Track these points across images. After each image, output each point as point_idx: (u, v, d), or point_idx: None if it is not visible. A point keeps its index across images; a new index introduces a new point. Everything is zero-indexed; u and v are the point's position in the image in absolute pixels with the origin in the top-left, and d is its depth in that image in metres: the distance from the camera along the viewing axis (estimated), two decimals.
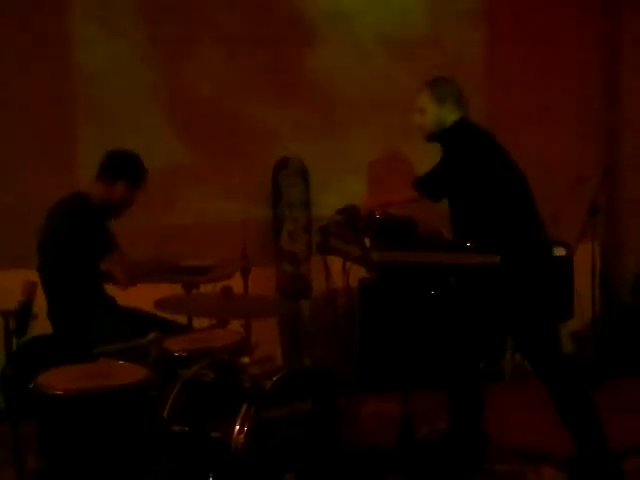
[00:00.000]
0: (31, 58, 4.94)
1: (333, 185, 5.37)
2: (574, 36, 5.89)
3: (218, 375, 3.13)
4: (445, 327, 4.03)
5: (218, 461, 2.98)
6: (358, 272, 3.95)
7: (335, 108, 5.49)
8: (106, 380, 2.95)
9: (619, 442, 3.77)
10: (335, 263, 3.81)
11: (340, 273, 3.79)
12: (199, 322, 3.93)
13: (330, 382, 3.30)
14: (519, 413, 4.67)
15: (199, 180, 5.27)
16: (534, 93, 5.77)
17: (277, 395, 3.08)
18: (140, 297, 3.86)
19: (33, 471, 3.10)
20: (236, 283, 3.80)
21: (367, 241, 3.47)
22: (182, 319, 3.95)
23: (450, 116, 3.83)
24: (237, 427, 2.94)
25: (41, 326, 3.83)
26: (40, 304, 3.92)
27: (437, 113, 3.83)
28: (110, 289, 4.11)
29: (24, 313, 3.30)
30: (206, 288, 4.10)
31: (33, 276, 3.94)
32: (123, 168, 4.07)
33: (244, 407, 2.98)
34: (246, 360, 3.26)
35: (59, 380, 2.94)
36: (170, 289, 3.98)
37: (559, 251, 5.12)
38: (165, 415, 3.03)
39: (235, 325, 3.82)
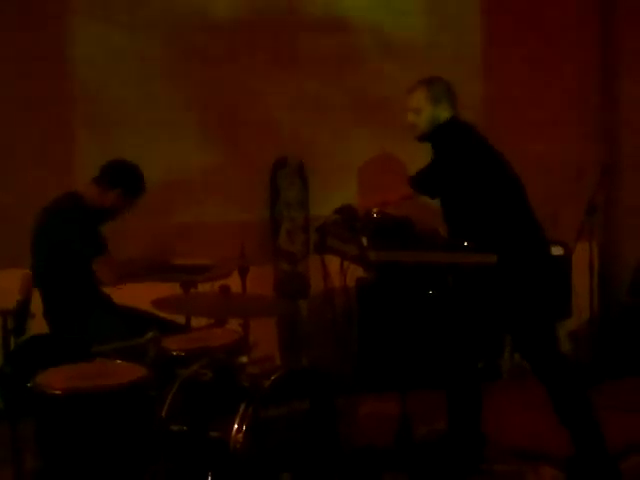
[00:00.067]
0: (30, 58, 4.94)
1: (331, 185, 5.37)
2: (573, 36, 5.89)
3: (216, 374, 3.12)
4: (443, 327, 4.03)
5: (216, 460, 2.98)
6: (356, 272, 3.95)
7: (334, 108, 5.49)
8: (104, 379, 2.94)
9: (617, 441, 3.77)
10: (333, 263, 3.81)
11: (338, 273, 3.78)
12: (197, 321, 3.92)
13: (328, 382, 3.30)
14: (517, 412, 4.67)
15: (197, 180, 5.26)
16: (533, 93, 5.78)
17: (275, 394, 3.08)
18: (138, 296, 3.86)
19: (31, 470, 3.10)
20: (234, 282, 3.80)
21: (364, 240, 3.47)
22: (180, 318, 3.95)
23: (443, 115, 3.83)
24: (235, 426, 2.94)
25: (39, 325, 3.84)
26: (37, 303, 3.94)
27: (432, 113, 3.83)
28: (106, 288, 4.11)
29: (22, 312, 3.30)
30: (204, 287, 4.10)
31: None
32: (120, 178, 4.09)
33: (242, 406, 2.98)
34: (244, 359, 3.26)
35: (57, 379, 2.93)
36: (168, 288, 3.98)
37: (557, 250, 5.13)
38: (163, 414, 3.02)
39: (233, 324, 3.81)
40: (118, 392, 2.90)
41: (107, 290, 4.11)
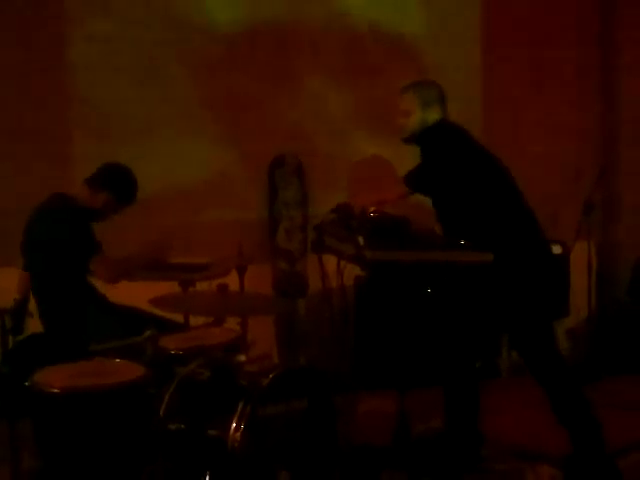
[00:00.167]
0: (29, 59, 4.94)
1: (329, 183, 5.37)
2: (573, 36, 5.89)
3: (214, 373, 3.12)
4: (441, 325, 4.03)
5: (215, 459, 2.98)
6: (354, 270, 3.95)
7: (332, 107, 5.49)
8: (102, 378, 2.94)
9: (615, 440, 3.77)
10: (330, 261, 3.81)
11: (335, 271, 3.79)
12: (195, 320, 3.92)
13: (326, 380, 3.30)
14: (516, 411, 4.68)
15: (196, 178, 5.26)
16: (533, 93, 5.78)
17: (273, 393, 3.08)
18: (136, 295, 3.86)
19: (29, 469, 3.10)
20: (232, 281, 3.80)
21: (361, 239, 3.47)
22: (178, 317, 3.95)
23: (432, 118, 3.84)
24: (233, 425, 2.94)
25: (36, 324, 3.84)
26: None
27: (421, 115, 3.83)
28: (101, 287, 4.11)
29: (20, 311, 3.30)
30: (202, 286, 4.10)
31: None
32: (112, 181, 4.07)
33: (240, 405, 2.98)
34: (242, 358, 3.26)
35: (55, 378, 2.93)
36: (166, 287, 3.98)
37: (556, 249, 5.13)
38: (161, 413, 3.02)
39: (231, 323, 3.82)
40: (116, 391, 2.90)
41: (102, 289, 4.11)
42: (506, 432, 4.26)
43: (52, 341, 3.86)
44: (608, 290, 5.92)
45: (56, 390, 2.86)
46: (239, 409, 2.97)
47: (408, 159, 3.88)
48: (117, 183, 4.08)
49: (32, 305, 3.88)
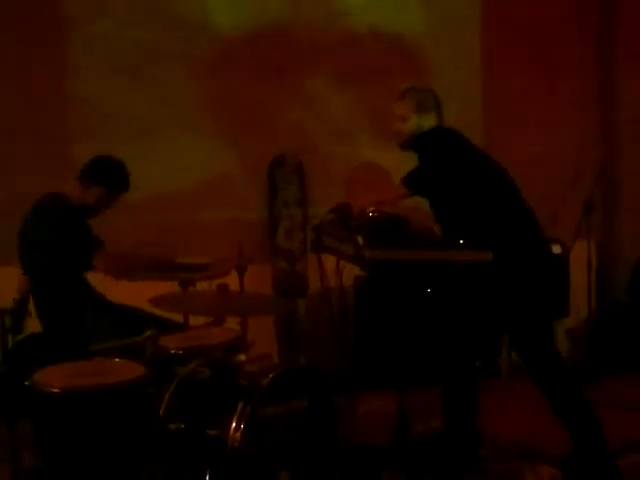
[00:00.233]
0: (29, 59, 4.94)
1: (330, 183, 5.37)
2: (573, 36, 5.89)
3: (214, 373, 3.12)
4: (440, 325, 4.03)
5: (214, 459, 2.98)
6: (353, 270, 3.95)
7: (332, 106, 5.49)
8: (102, 378, 2.94)
9: (615, 440, 3.77)
10: (330, 261, 3.81)
11: (335, 271, 3.79)
12: (195, 320, 3.92)
13: (326, 380, 3.30)
14: (515, 411, 4.68)
15: (196, 178, 5.26)
16: (532, 93, 5.78)
17: (273, 393, 3.08)
18: (136, 295, 3.85)
19: (29, 469, 3.10)
20: (232, 281, 3.79)
21: (360, 239, 3.47)
22: (178, 317, 3.94)
23: (428, 124, 3.85)
24: (233, 425, 2.94)
25: (36, 324, 3.84)
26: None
27: (417, 121, 3.85)
28: (100, 287, 4.11)
29: (20, 311, 3.30)
30: (202, 286, 4.10)
31: None
32: (101, 173, 4.05)
33: (240, 405, 2.98)
34: (242, 358, 3.26)
35: (55, 378, 2.93)
36: (166, 287, 3.98)
37: (555, 249, 5.13)
38: (161, 413, 3.02)
39: (231, 323, 3.82)
40: (116, 390, 2.90)
41: (101, 289, 4.10)
42: (506, 432, 4.26)
43: (52, 340, 3.86)
44: (608, 290, 5.92)
45: (56, 390, 2.86)
46: (239, 409, 2.97)
47: (408, 161, 3.88)
48: (107, 175, 4.05)
49: (32, 305, 3.88)
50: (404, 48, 5.57)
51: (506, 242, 3.64)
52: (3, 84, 4.92)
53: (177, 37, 5.21)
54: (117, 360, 3.14)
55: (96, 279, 4.06)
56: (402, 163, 3.91)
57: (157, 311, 3.56)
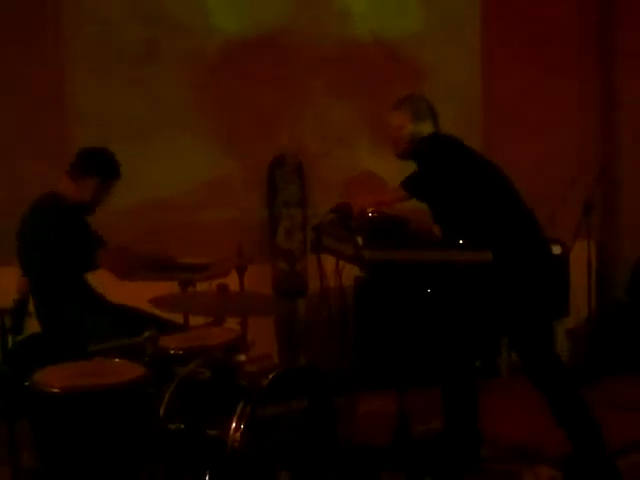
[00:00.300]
0: (29, 59, 4.94)
1: (330, 183, 5.37)
2: (573, 36, 5.89)
3: (214, 373, 3.13)
4: (440, 325, 4.03)
5: (214, 459, 2.98)
6: (353, 270, 3.95)
7: (332, 106, 5.49)
8: (102, 378, 2.94)
9: (615, 440, 3.77)
10: (330, 262, 3.81)
11: (334, 271, 3.79)
12: (195, 320, 3.92)
13: (326, 380, 3.30)
14: (515, 411, 4.68)
15: (196, 178, 5.26)
16: (532, 93, 5.78)
17: (273, 393, 3.08)
18: (136, 295, 3.85)
19: (29, 469, 3.10)
20: (232, 281, 3.80)
21: (359, 239, 3.47)
22: (178, 317, 3.94)
23: (426, 130, 3.85)
24: (233, 425, 2.94)
25: (36, 324, 3.84)
26: None
27: (414, 129, 3.85)
28: (100, 286, 4.10)
29: (20, 311, 3.30)
30: (202, 286, 4.10)
31: None
32: (92, 164, 4.02)
33: (240, 405, 2.98)
34: (242, 358, 3.26)
35: (55, 378, 2.93)
36: (166, 287, 3.98)
37: (555, 249, 5.13)
38: (161, 413, 3.02)
39: (231, 323, 3.81)
40: (116, 391, 2.90)
41: (100, 289, 4.10)
42: (505, 432, 4.26)
43: (52, 341, 3.85)
44: (608, 290, 5.92)
45: (56, 390, 2.86)
46: (239, 409, 2.97)
47: (406, 166, 3.88)
48: (96, 164, 4.01)
49: (32, 305, 3.88)
50: (404, 48, 5.57)
51: (506, 242, 3.64)
52: (3, 84, 4.92)
53: (178, 38, 5.21)
54: (117, 360, 3.14)
55: (96, 280, 4.06)
56: (401, 170, 3.90)
57: (157, 311, 3.56)
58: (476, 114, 5.64)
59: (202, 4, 5.29)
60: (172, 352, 3.31)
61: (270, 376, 3.09)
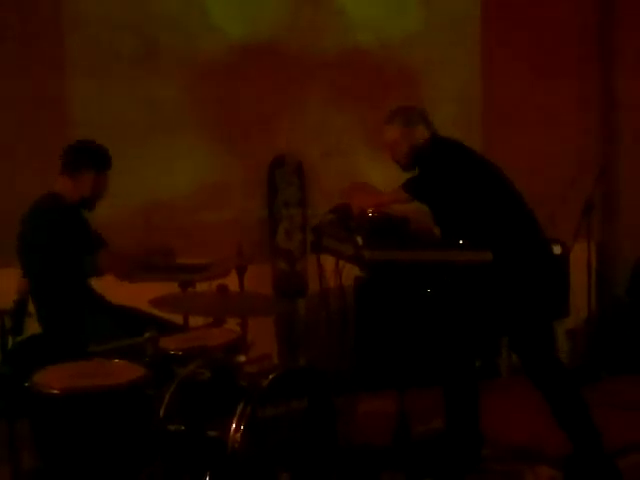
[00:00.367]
0: (29, 59, 4.94)
1: (329, 183, 5.37)
2: (573, 36, 5.89)
3: (214, 374, 3.12)
4: (440, 325, 4.03)
5: (214, 460, 2.98)
6: (353, 271, 3.95)
7: (333, 107, 5.50)
8: (102, 379, 2.94)
9: (615, 440, 3.77)
10: (330, 262, 3.81)
11: (334, 272, 3.80)
12: (195, 321, 3.92)
13: (326, 380, 3.30)
14: (515, 411, 4.68)
15: (196, 179, 5.26)
16: (532, 93, 5.78)
17: (273, 394, 3.08)
18: (136, 296, 3.85)
19: (29, 470, 3.10)
20: (232, 281, 3.80)
21: (359, 240, 3.47)
22: (178, 318, 3.94)
23: (422, 136, 3.86)
24: (233, 426, 2.94)
25: (36, 325, 3.84)
26: None
27: (409, 138, 3.85)
28: (100, 287, 4.10)
29: (20, 312, 3.30)
30: (202, 286, 4.10)
31: None
32: (83, 157, 4.00)
33: (240, 406, 2.97)
34: (242, 359, 3.26)
35: (55, 379, 2.93)
36: (166, 288, 3.98)
37: (555, 249, 5.13)
38: (161, 414, 3.02)
39: (231, 324, 3.81)
40: (116, 391, 2.89)
41: (100, 290, 4.10)
42: (506, 432, 4.26)
43: (52, 342, 3.85)
44: (608, 290, 5.92)
45: (56, 391, 2.86)
46: (239, 410, 2.97)
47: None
48: (87, 156, 4.01)
49: (32, 306, 3.88)
50: (404, 49, 5.57)
51: (506, 242, 3.64)
52: (2, 84, 4.92)
53: (178, 40, 5.21)
54: (117, 361, 3.14)
55: (96, 280, 4.06)
56: (400, 173, 3.91)
57: (157, 312, 3.56)
58: (476, 114, 5.64)
59: (201, 7, 5.29)
60: (172, 353, 3.31)
61: (270, 377, 3.09)
